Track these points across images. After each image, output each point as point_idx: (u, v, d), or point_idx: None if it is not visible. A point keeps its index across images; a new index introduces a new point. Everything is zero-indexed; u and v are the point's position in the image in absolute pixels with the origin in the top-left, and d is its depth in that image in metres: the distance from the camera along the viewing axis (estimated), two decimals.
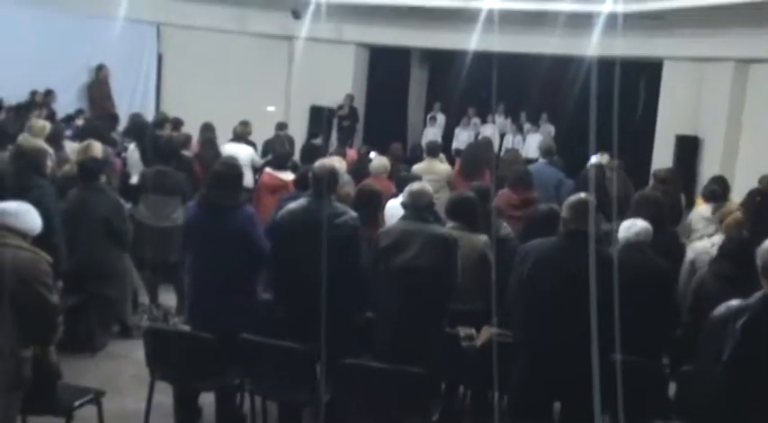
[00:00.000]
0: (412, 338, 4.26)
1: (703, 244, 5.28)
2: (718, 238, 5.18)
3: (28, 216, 3.59)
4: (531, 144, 13.61)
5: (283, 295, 4.58)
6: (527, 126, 15.01)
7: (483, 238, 4.93)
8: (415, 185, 4.47)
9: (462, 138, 14.55)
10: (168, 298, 6.81)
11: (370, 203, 5.17)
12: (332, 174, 4.44)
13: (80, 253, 5.46)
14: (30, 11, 11.99)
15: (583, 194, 4.03)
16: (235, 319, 4.41)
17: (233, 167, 4.75)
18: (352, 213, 4.44)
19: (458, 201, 4.94)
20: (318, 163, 4.59)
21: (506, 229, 5.56)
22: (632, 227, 4.64)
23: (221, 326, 4.30)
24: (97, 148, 6.38)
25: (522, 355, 3.95)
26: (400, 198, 6.00)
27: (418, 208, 4.35)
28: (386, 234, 4.36)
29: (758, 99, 11.66)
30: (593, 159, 10.37)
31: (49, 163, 5.32)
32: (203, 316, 4.53)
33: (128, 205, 6.80)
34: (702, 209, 7.38)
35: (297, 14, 12.95)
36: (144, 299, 6.69)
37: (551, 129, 14.38)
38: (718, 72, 11.96)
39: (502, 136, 14.57)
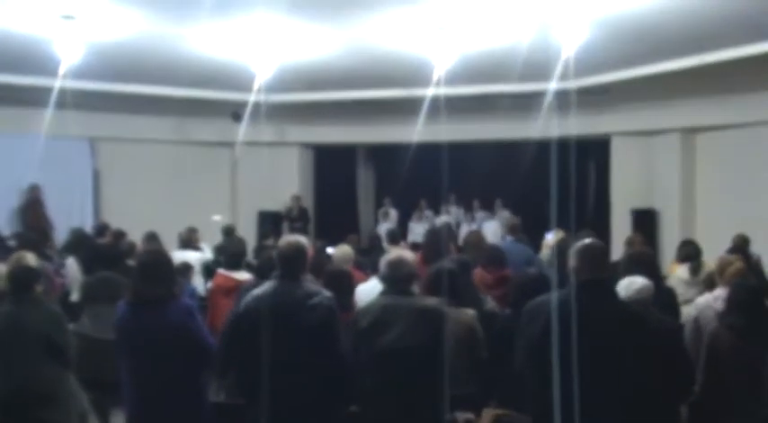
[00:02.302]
0: None
1: (705, 299, 4.92)
2: (720, 292, 4.83)
3: None
4: (488, 231, 13.31)
5: (254, 396, 3.98)
6: (481, 214, 14.82)
7: (470, 312, 4.49)
8: (392, 255, 4.01)
9: (417, 231, 14.24)
10: (120, 420, 6.07)
11: (341, 286, 4.68)
12: (301, 251, 3.95)
13: (16, 375, 4.74)
14: None
15: (589, 240, 3.63)
16: None
17: (159, 255, 4.30)
18: (327, 293, 3.93)
19: (439, 273, 4.49)
20: (283, 240, 4.10)
21: (490, 302, 5.15)
22: (632, 284, 4.24)
23: None
24: (30, 258, 5.76)
25: None
26: (371, 282, 5.58)
27: (398, 280, 3.88)
28: (365, 313, 3.88)
29: (708, 166, 11.75)
30: (549, 237, 10.16)
31: None
32: None
33: (70, 325, 6.18)
34: (680, 272, 7.11)
35: (237, 117, 12.69)
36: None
37: (506, 214, 14.20)
38: (666, 143, 12.08)
39: (457, 225, 14.30)
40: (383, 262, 3.98)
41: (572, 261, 3.43)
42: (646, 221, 12.15)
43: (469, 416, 4.00)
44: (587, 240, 3.61)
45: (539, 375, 3.38)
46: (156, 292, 4.00)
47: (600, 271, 3.37)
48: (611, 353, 3.23)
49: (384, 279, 3.96)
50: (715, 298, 4.82)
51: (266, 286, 3.94)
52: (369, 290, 5.09)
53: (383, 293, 3.95)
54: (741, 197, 10.74)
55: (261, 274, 5.27)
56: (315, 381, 3.75)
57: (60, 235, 11.10)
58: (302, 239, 4.05)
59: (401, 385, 3.74)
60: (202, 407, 4.09)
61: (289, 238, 4.10)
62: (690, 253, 7.23)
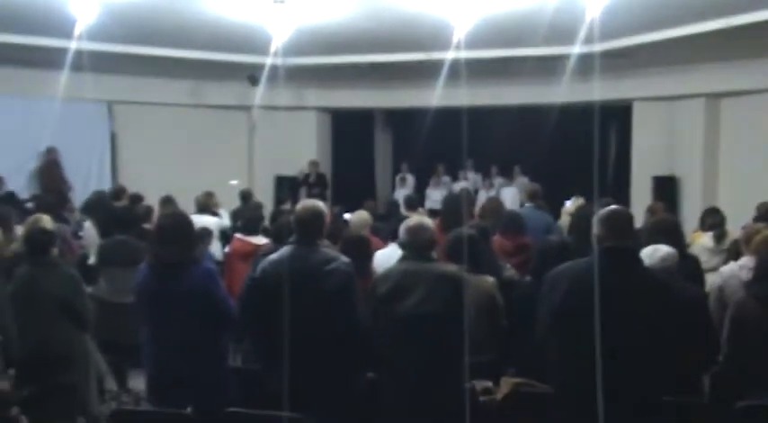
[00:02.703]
0: (425, 398, 3.68)
1: (730, 268, 4.80)
2: (746, 260, 4.71)
3: None
4: (506, 198, 13.20)
5: (271, 361, 3.94)
6: (499, 180, 14.67)
7: (490, 279, 4.42)
8: (412, 221, 3.93)
9: (435, 197, 14.11)
10: (139, 382, 6.09)
11: (359, 252, 4.61)
12: (319, 215, 3.87)
13: (34, 337, 4.73)
14: None
15: (614, 206, 3.52)
16: (204, 393, 3.80)
17: (180, 217, 4.18)
18: (344, 259, 3.86)
19: (458, 240, 4.41)
20: (301, 204, 4.02)
21: (510, 270, 5.07)
22: (656, 252, 4.14)
23: (189, 402, 3.66)
24: (46, 221, 5.74)
25: (563, 403, 3.34)
26: (389, 248, 5.51)
27: (418, 246, 3.81)
28: (384, 279, 3.81)
29: (733, 133, 11.54)
30: (568, 204, 10.05)
31: None
32: (167, 393, 3.92)
33: (88, 289, 6.17)
34: (704, 240, 6.99)
35: (253, 80, 12.56)
36: (111, 384, 5.97)
37: (525, 180, 14.05)
38: (689, 109, 11.84)
39: (475, 192, 14.17)
40: (403, 228, 3.91)
41: (596, 228, 3.33)
42: (667, 188, 11.98)
43: (488, 384, 3.95)
44: (612, 207, 3.51)
45: (560, 344, 3.30)
46: (177, 255, 3.92)
47: (624, 238, 3.27)
48: (634, 321, 3.15)
49: (404, 245, 3.89)
50: (740, 267, 4.70)
51: (283, 251, 3.88)
52: (387, 256, 5.03)
53: (403, 259, 3.89)
54: (766, 164, 10.53)
55: (278, 238, 5.21)
56: (332, 347, 3.71)
57: (77, 198, 11.13)
58: (320, 204, 3.97)
59: (419, 352, 3.70)
60: (222, 371, 4.04)
61: (306, 203, 4.03)
62: (714, 221, 7.11)
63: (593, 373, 3.12)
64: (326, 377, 3.67)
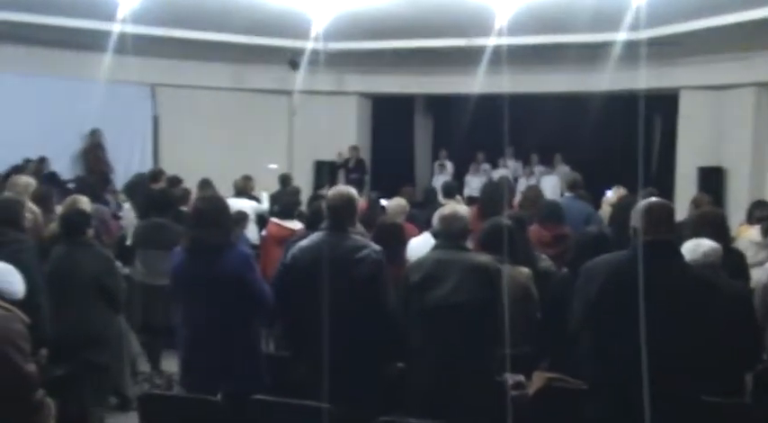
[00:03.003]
0: (453, 390, 3.61)
1: None
2: None
3: (9, 276, 3.03)
4: (546, 186, 12.99)
5: (300, 349, 3.91)
6: (539, 169, 14.46)
7: (525, 270, 4.32)
8: (446, 209, 3.86)
9: (474, 185, 13.96)
10: (172, 364, 6.13)
11: (393, 239, 4.54)
12: (350, 202, 3.82)
13: (67, 316, 4.77)
14: (18, 78, 11.74)
15: (654, 198, 3.40)
16: (237, 378, 3.77)
17: (216, 201, 4.13)
18: (375, 247, 3.80)
19: (493, 229, 4.32)
20: (333, 190, 3.97)
21: (547, 261, 4.96)
22: (699, 246, 4.00)
23: (222, 387, 3.64)
24: (84, 202, 5.78)
25: (596, 399, 3.24)
26: (423, 236, 5.44)
27: (452, 235, 3.74)
28: (416, 267, 3.75)
29: None
30: (609, 194, 9.84)
31: (29, 215, 4.72)
32: (200, 377, 3.88)
33: (125, 270, 6.22)
34: (751, 234, 6.77)
35: (294, 65, 12.53)
36: (144, 366, 6.02)
37: (566, 169, 13.82)
38: (738, 98, 11.51)
39: (515, 180, 13.99)
40: (436, 216, 3.85)
41: (635, 220, 3.20)
42: (713, 180, 11.68)
43: (520, 378, 3.86)
44: (652, 199, 3.38)
45: (593, 337, 3.19)
46: (213, 239, 3.88)
47: (665, 231, 3.15)
48: (672, 317, 3.03)
49: (437, 233, 3.83)
50: None
51: (313, 237, 3.84)
52: (420, 245, 4.95)
53: (436, 248, 3.82)
54: None
55: (311, 224, 5.17)
56: (361, 336, 3.66)
57: (119, 180, 11.25)
58: (351, 190, 3.91)
59: (449, 342, 3.63)
60: (255, 356, 3.99)
61: (338, 188, 3.98)
62: (762, 214, 6.88)
63: (627, 369, 3.02)
64: (355, 366, 3.62)
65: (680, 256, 3.25)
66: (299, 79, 12.77)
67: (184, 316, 4.04)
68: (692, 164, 12.06)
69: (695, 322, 3.00)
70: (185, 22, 11.05)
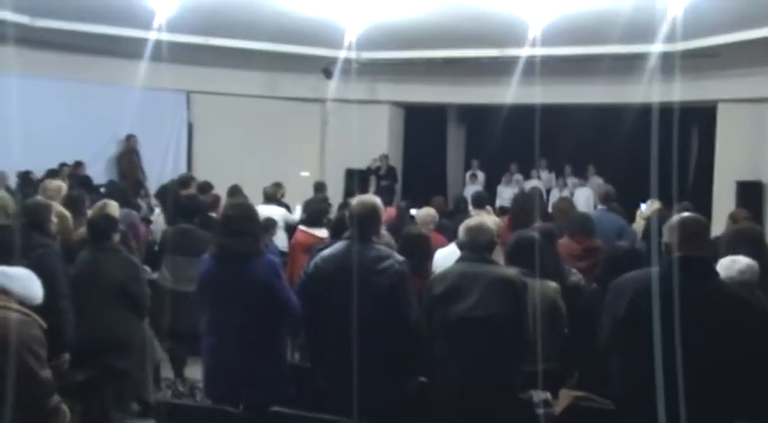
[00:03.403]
0: (477, 406, 3.53)
1: None
2: None
3: (28, 282, 3.03)
4: (580, 198, 12.86)
5: (321, 359, 3.86)
6: (572, 180, 14.31)
7: (553, 284, 4.22)
8: (472, 221, 3.80)
9: (506, 195, 13.86)
10: (195, 371, 6.12)
11: (418, 250, 4.48)
12: (374, 211, 3.76)
13: (91, 321, 4.77)
14: (57, 83, 11.92)
15: (687, 213, 3.30)
16: (263, 388, 3.71)
17: (246, 208, 4.07)
18: (398, 257, 3.73)
19: (521, 242, 4.23)
20: (357, 199, 3.91)
21: (576, 275, 4.86)
22: (735, 263, 3.86)
23: (246, 397, 3.60)
24: (113, 207, 5.81)
25: (624, 419, 3.13)
26: (450, 247, 5.37)
27: (478, 247, 3.67)
28: (440, 279, 3.68)
29: None
30: (643, 207, 9.67)
31: (54, 219, 4.74)
32: (224, 387, 3.83)
33: (154, 275, 6.23)
34: None
35: (328, 74, 12.56)
36: (168, 373, 6.01)
37: (600, 181, 13.65)
38: None
39: (547, 192, 13.85)
40: (462, 228, 3.78)
41: (667, 235, 3.10)
42: (752, 195, 11.42)
43: (546, 395, 3.77)
44: (685, 214, 3.28)
45: (622, 355, 3.08)
46: (241, 246, 3.83)
47: (698, 248, 3.04)
48: (706, 336, 2.92)
49: (462, 245, 3.76)
50: None
51: (337, 246, 3.79)
52: (447, 256, 4.89)
53: (461, 260, 3.75)
54: None
55: (335, 232, 5.13)
56: (383, 348, 3.59)
57: (153, 185, 11.34)
58: (376, 199, 3.85)
59: (473, 356, 3.55)
60: (281, 366, 3.93)
61: (362, 198, 3.91)
62: None
63: (655, 389, 2.91)
64: (376, 379, 3.55)
65: (714, 273, 3.14)
66: (332, 88, 12.82)
67: (210, 324, 3.99)
68: (731, 178, 11.82)
69: (728, 341, 2.89)
70: (220, 30, 11.15)
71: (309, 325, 3.95)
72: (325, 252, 3.83)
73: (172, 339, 5.92)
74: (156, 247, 7.06)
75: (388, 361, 3.60)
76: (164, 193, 8.74)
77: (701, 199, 11.82)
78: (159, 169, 13.04)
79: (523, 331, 3.55)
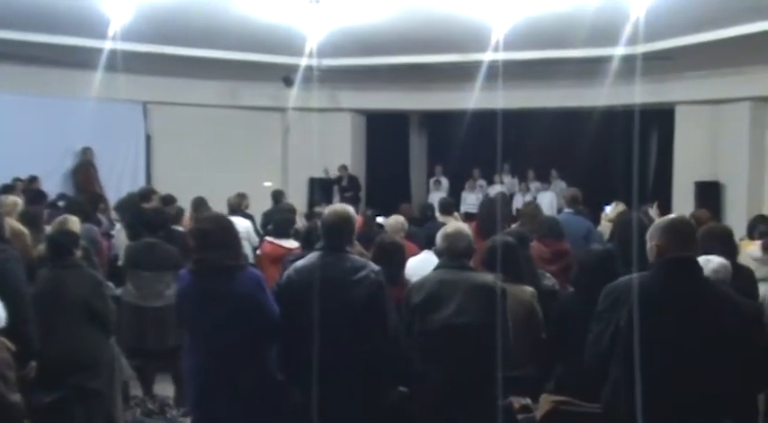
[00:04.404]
0: (459, 414, 3.47)
1: None
2: None
3: None
4: (543, 202, 12.91)
5: (297, 374, 3.75)
6: (535, 184, 14.41)
7: (529, 289, 4.20)
8: (450, 228, 3.74)
9: (470, 201, 13.94)
10: (164, 388, 5.98)
11: (393, 258, 4.40)
12: (348, 220, 3.68)
13: (56, 340, 4.61)
14: (8, 96, 11.62)
15: (675, 215, 3.28)
16: (250, 404, 3.60)
17: (222, 220, 3.94)
18: (374, 267, 3.65)
19: (497, 247, 4.19)
20: (329, 209, 3.83)
21: (550, 279, 4.85)
22: (708, 264, 3.88)
23: (236, 417, 3.48)
24: (74, 222, 5.63)
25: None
26: (422, 255, 5.32)
27: (456, 253, 3.61)
28: (419, 288, 3.62)
29: None
30: (608, 210, 9.74)
31: (7, 227, 4.56)
32: (212, 404, 3.69)
33: (117, 290, 6.06)
34: (752, 249, 6.66)
35: (288, 82, 12.44)
36: (137, 391, 5.85)
37: (563, 185, 13.77)
38: (734, 113, 11.50)
39: (510, 196, 13.92)
40: (440, 234, 3.72)
41: (657, 238, 3.04)
42: (710, 194, 11.63)
43: (526, 401, 3.74)
44: (671, 216, 3.27)
45: (623, 363, 2.97)
46: (223, 260, 3.69)
47: (691, 248, 3.02)
48: (703, 339, 2.90)
49: (441, 252, 3.70)
50: None
51: (309, 258, 3.69)
52: (420, 264, 4.83)
53: (439, 267, 3.69)
54: None
55: (307, 243, 5.04)
56: (361, 359, 3.51)
57: (111, 199, 11.11)
58: (349, 208, 3.77)
59: (454, 365, 3.50)
60: (267, 381, 3.78)
61: (335, 207, 3.83)
62: (763, 229, 6.78)
63: (659, 392, 2.87)
64: (355, 392, 3.47)
65: (703, 273, 3.12)
66: (293, 96, 12.70)
67: (193, 343, 3.82)
68: (689, 178, 12.01)
69: (721, 341, 2.88)
70: (178, 38, 10.96)
71: (284, 338, 3.85)
72: (299, 263, 3.73)
73: (140, 356, 5.76)
74: (119, 263, 6.89)
75: (368, 372, 3.52)
76: (124, 207, 8.56)
77: (661, 199, 11.96)
78: (117, 182, 12.75)
79: (504, 337, 3.50)
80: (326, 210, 3.86)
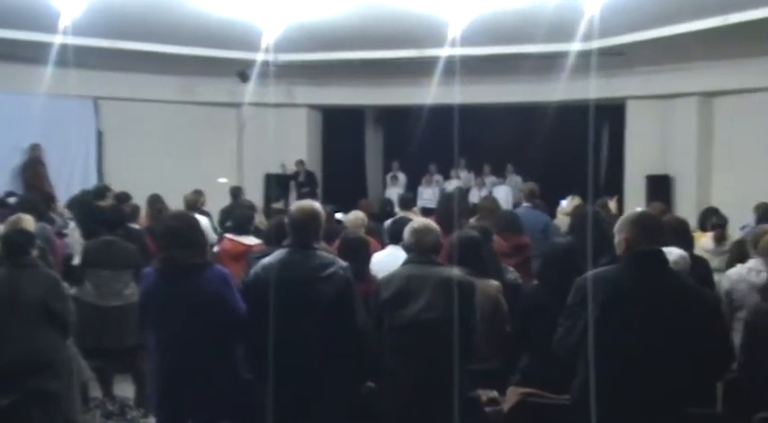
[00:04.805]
0: (428, 408, 3.48)
1: (737, 271, 4.64)
2: (754, 263, 4.56)
3: None
4: (498, 196, 13.01)
5: (265, 372, 3.72)
6: (491, 179, 14.54)
7: (495, 283, 4.24)
8: (417, 223, 3.75)
9: (426, 196, 13.99)
10: (124, 388, 5.89)
11: (358, 254, 4.41)
12: (315, 217, 3.66)
13: (12, 342, 4.50)
14: None
15: (640, 208, 3.35)
16: (216, 402, 3.57)
17: (188, 218, 3.92)
18: (342, 263, 3.64)
19: (464, 242, 4.23)
20: (296, 205, 3.81)
21: (513, 272, 4.90)
22: (668, 255, 3.95)
23: (199, 412, 3.45)
24: (28, 221, 5.50)
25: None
26: (387, 250, 5.32)
27: (424, 248, 3.62)
28: (387, 283, 3.62)
29: (726, 132, 11.46)
30: (564, 204, 9.89)
31: None
32: (178, 407, 3.66)
33: (72, 290, 5.93)
34: (704, 241, 6.84)
35: (244, 77, 12.33)
36: (96, 392, 5.75)
37: (518, 179, 13.92)
38: (683, 108, 11.76)
39: (467, 191, 14.01)
40: (408, 230, 3.73)
41: (626, 232, 3.09)
42: (660, 188, 11.87)
43: (493, 393, 3.77)
44: (639, 209, 3.34)
45: (595, 356, 2.98)
46: (191, 258, 3.68)
47: (657, 242, 3.09)
48: (671, 330, 2.97)
49: (409, 247, 3.70)
50: (749, 270, 4.56)
51: (277, 255, 3.66)
52: (385, 259, 4.84)
53: (407, 263, 3.70)
54: (760, 164, 10.44)
55: (271, 240, 5.00)
56: (330, 356, 3.50)
57: (61, 196, 10.88)
58: (316, 205, 3.76)
59: (423, 360, 3.51)
60: (235, 380, 3.78)
61: (302, 204, 3.80)
62: (715, 222, 6.97)
63: (627, 383, 2.93)
64: (324, 388, 3.47)
65: (669, 265, 3.19)
66: (249, 91, 12.58)
67: (159, 341, 3.79)
68: (640, 172, 12.24)
69: (688, 332, 2.96)
70: (130, 33, 10.78)
71: (252, 336, 3.82)
72: (266, 260, 3.70)
73: (98, 357, 5.65)
74: (75, 261, 6.75)
75: (337, 369, 3.51)
76: (77, 205, 8.38)
77: (613, 193, 12.17)
78: (67, 179, 12.46)
79: (472, 332, 3.52)
80: (293, 206, 3.84)
